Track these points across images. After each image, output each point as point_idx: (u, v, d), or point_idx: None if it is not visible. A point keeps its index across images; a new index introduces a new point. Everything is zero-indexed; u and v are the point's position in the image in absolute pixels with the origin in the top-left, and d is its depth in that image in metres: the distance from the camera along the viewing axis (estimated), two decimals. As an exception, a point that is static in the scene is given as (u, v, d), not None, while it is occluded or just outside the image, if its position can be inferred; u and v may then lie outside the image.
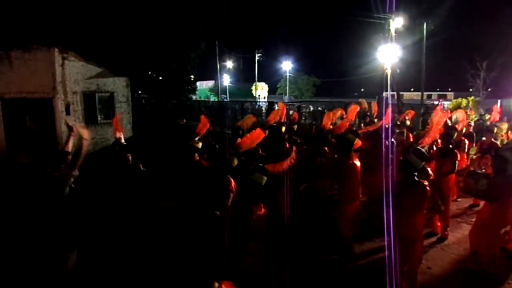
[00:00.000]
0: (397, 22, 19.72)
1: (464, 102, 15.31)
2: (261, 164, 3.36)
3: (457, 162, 5.67)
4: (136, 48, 14.76)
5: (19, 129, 10.73)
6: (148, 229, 5.18)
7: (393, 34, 19.85)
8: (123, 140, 5.09)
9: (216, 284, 1.83)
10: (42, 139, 10.98)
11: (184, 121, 24.49)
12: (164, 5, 16.69)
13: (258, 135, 4.71)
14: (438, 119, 5.59)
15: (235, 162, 4.28)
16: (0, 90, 10.37)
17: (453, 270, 4.83)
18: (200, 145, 4.78)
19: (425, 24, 20.59)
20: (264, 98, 48.23)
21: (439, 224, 5.75)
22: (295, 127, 7.60)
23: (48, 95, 10.97)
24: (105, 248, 4.94)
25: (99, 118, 12.79)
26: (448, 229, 5.72)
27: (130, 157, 4.80)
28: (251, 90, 50.44)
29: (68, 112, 11.42)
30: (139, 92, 25.13)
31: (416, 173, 3.90)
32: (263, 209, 3.12)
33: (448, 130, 6.20)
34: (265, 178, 3.21)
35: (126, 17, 14.00)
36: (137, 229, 4.71)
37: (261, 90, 51.81)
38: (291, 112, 20.37)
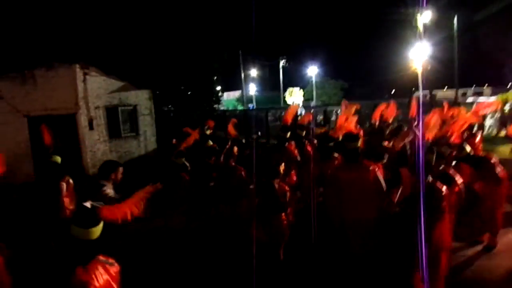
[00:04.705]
0: (425, 16, 18.81)
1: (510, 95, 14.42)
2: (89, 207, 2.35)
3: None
4: (157, 60, 14.81)
5: (44, 146, 10.86)
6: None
7: (421, 29, 18.92)
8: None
9: None
10: (66, 155, 11.06)
11: (209, 131, 24.48)
12: (185, 17, 16.74)
13: None
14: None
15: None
16: (26, 108, 10.59)
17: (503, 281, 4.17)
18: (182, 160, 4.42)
19: (456, 18, 19.50)
20: (299, 104, 46.82)
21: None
22: (303, 132, 6.49)
23: (71, 111, 11.10)
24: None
25: (122, 132, 12.82)
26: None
27: (69, 180, 4.55)
28: (284, 96, 49.62)
29: (91, 127, 11.50)
30: (169, 106, 25.23)
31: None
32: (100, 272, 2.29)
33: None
34: (93, 230, 2.24)
35: (146, 31, 14.09)
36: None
37: (296, 96, 50.64)
38: (319, 117, 19.79)
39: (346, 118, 5.60)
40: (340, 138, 5.34)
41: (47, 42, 10.24)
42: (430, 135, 4.58)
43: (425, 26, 19.91)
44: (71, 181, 4.72)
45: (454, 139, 5.15)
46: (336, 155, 5.10)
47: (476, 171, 4.79)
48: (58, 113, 10.92)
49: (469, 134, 6.24)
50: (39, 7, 10.03)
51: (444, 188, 3.46)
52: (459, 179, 4.22)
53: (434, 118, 4.77)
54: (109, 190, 3.95)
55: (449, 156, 4.74)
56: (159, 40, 14.90)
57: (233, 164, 5.26)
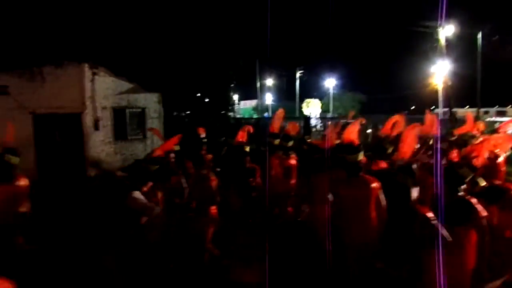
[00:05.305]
0: (447, 30, 18.17)
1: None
2: None
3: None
4: (169, 64, 14.67)
5: (48, 144, 10.76)
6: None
7: (443, 44, 18.30)
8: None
9: None
10: (70, 154, 10.94)
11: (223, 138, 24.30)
12: (200, 22, 16.62)
13: None
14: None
15: None
16: (32, 105, 10.51)
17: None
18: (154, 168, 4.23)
19: (480, 33, 18.79)
20: (316, 115, 45.95)
21: None
22: (288, 143, 5.91)
23: (78, 110, 10.96)
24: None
25: (129, 134, 12.63)
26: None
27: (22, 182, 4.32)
28: (301, 107, 49.18)
29: (97, 128, 11.34)
30: (184, 112, 25.07)
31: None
32: None
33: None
34: None
35: (160, 34, 13.98)
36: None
37: (313, 107, 50.07)
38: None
39: (334, 130, 5.19)
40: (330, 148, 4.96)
41: (57, 40, 10.21)
42: (407, 152, 4.07)
43: (447, 40, 19.26)
44: (22, 183, 4.47)
45: (478, 161, 4.59)
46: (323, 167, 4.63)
47: (493, 204, 4.19)
48: (64, 112, 10.81)
49: (492, 157, 5.67)
50: (51, 4, 10.01)
51: (430, 216, 2.92)
52: (482, 211, 3.57)
53: (411, 133, 4.26)
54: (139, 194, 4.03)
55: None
56: (172, 43, 14.79)
57: (205, 172, 4.89)
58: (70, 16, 10.51)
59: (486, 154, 4.83)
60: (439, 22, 16.64)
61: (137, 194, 4.02)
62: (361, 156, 4.02)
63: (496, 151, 5.82)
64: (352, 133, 4.99)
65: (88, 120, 11.11)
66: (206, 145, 6.30)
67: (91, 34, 10.80)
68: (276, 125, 6.41)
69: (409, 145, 4.07)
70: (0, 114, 9.56)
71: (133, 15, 12.65)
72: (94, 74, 11.11)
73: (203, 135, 6.93)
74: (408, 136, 4.20)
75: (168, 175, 4.84)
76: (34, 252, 4.50)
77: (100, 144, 11.52)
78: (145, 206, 3.95)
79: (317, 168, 4.53)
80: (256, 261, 4.15)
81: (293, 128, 6.74)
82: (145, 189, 4.10)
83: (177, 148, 5.56)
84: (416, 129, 4.65)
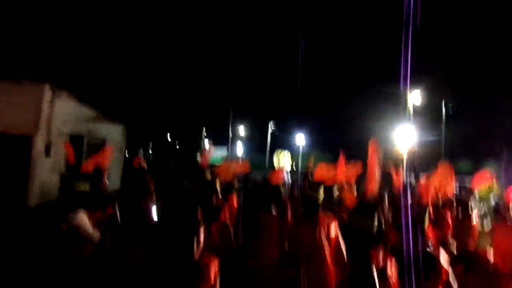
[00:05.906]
0: (414, 97, 19.00)
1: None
2: None
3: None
4: (136, 96, 14.24)
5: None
6: None
7: (411, 109, 19.04)
8: None
9: None
10: (13, 178, 9.84)
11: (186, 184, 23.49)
12: (174, 61, 16.58)
13: None
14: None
15: None
16: (-22, 122, 9.55)
17: None
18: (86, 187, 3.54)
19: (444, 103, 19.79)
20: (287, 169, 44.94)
21: None
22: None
23: (30, 132, 10.06)
24: None
25: (83, 165, 11.68)
26: None
27: None
28: (271, 160, 48.92)
29: (48, 154, 10.39)
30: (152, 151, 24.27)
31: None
32: None
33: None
34: None
35: (129, 68, 13.68)
36: None
37: (283, 159, 49.76)
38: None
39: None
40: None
41: (17, 54, 9.57)
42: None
43: (414, 107, 20.09)
44: None
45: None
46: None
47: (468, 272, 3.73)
48: (14, 133, 9.88)
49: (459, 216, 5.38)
50: (19, 19, 9.53)
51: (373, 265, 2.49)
52: (444, 262, 3.13)
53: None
54: None
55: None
56: (144, 77, 14.48)
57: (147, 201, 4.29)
58: (36, 31, 10.01)
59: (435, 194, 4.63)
60: (402, 87, 17.38)
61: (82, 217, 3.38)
62: (321, 194, 3.65)
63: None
64: (323, 171, 4.63)
65: (39, 144, 10.18)
66: (148, 172, 5.71)
67: (58, 53, 10.28)
68: (206, 161, 6.13)
69: (372, 180, 3.73)
70: None
71: (109, 44, 12.36)
72: (54, 96, 10.41)
73: (141, 165, 6.43)
74: (371, 172, 3.88)
75: (101, 202, 4.04)
76: None
77: (49, 172, 10.48)
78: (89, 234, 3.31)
79: (266, 204, 4.05)
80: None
81: (242, 167, 6.40)
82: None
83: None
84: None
